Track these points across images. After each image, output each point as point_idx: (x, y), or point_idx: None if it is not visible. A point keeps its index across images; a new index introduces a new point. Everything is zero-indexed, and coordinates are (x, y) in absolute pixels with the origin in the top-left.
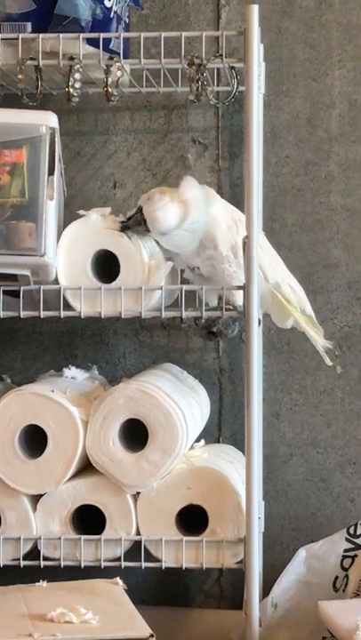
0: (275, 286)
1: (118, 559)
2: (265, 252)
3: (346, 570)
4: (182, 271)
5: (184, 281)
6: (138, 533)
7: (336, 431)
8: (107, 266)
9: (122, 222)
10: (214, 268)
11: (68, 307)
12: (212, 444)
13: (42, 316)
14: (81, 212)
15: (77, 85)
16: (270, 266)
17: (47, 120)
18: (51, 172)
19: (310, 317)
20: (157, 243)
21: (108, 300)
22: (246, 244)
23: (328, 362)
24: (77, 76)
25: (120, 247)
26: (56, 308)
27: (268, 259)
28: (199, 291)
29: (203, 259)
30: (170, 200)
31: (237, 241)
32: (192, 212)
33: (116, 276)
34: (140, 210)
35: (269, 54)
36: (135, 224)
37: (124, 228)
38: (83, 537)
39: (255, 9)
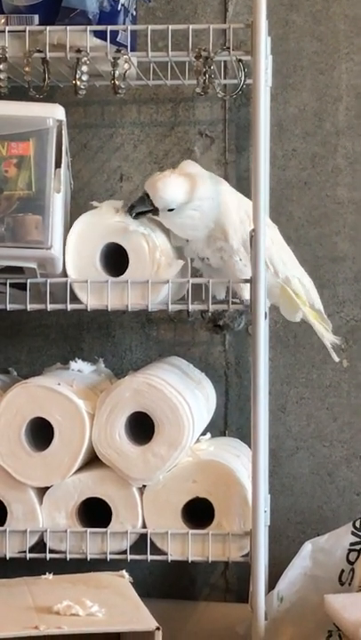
0: (284, 281)
1: (124, 552)
2: (277, 247)
3: (352, 563)
4: (192, 260)
5: (191, 273)
6: (144, 526)
7: (342, 425)
8: (117, 259)
9: (129, 208)
10: (224, 261)
11: (74, 299)
12: (219, 438)
13: (48, 309)
14: (94, 203)
15: (84, 78)
16: (281, 260)
17: (54, 113)
18: (57, 165)
19: (319, 312)
20: (170, 233)
21: (115, 293)
22: (253, 237)
23: (335, 358)
24: (84, 68)
25: (130, 241)
26: (62, 300)
27: (278, 253)
28: (206, 283)
29: (213, 250)
30: (170, 173)
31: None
32: (199, 186)
33: (126, 270)
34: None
35: (277, 47)
36: (140, 202)
37: (130, 208)
38: (89, 530)
39: (263, 1)
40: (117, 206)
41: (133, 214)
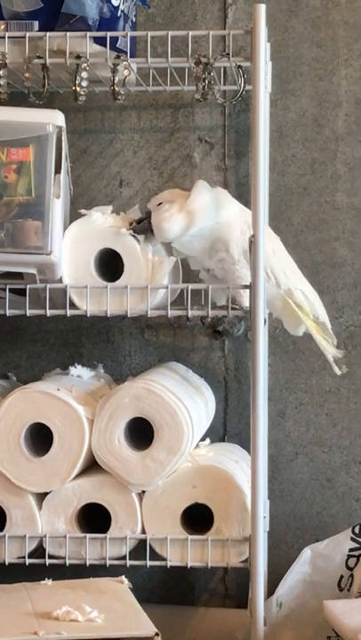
0: (287, 292)
1: (123, 558)
2: (279, 258)
3: (351, 569)
4: (182, 260)
5: (189, 280)
6: (143, 532)
7: (341, 430)
8: (110, 264)
9: (131, 227)
10: (225, 271)
11: (74, 305)
12: (218, 443)
13: (48, 315)
14: (82, 211)
15: (84, 84)
16: (282, 271)
17: (54, 118)
18: (57, 171)
19: (323, 324)
20: (172, 248)
21: (114, 299)
22: (253, 243)
23: (337, 371)
24: (84, 74)
25: (123, 245)
26: (61, 306)
27: (279, 264)
28: (206, 289)
29: (215, 261)
30: (177, 211)
31: None
32: (198, 221)
33: (119, 274)
34: (148, 214)
35: (276, 53)
36: (142, 230)
37: (133, 232)
38: (88, 535)
39: (262, 8)
40: (106, 212)
41: (137, 237)
